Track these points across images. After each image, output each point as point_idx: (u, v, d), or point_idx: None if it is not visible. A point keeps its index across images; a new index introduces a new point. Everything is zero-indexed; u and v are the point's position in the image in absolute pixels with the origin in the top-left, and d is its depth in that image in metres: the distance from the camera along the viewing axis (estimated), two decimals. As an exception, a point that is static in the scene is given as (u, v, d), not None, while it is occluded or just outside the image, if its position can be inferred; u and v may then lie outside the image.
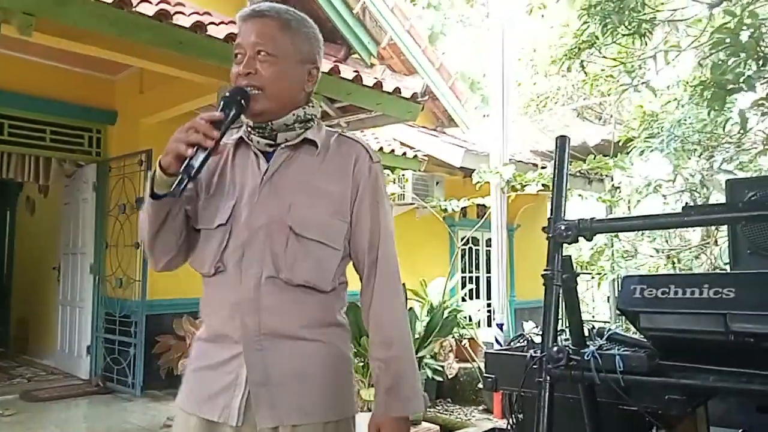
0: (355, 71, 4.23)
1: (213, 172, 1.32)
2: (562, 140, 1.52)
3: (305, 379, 1.25)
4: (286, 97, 1.27)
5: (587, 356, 1.21)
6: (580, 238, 1.39)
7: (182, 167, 1.14)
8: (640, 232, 5.23)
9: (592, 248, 5.31)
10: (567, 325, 1.47)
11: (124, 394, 4.84)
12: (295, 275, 1.23)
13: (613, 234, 4.81)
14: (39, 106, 5.03)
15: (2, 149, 5.22)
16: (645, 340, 1.36)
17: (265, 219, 1.24)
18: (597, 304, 10.35)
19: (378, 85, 4.29)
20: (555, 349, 1.27)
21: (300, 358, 1.25)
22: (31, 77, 4.97)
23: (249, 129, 1.30)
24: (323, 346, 1.28)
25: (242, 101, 1.22)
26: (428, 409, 5.01)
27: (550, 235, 1.39)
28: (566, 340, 1.50)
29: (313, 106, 1.33)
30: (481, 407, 5.40)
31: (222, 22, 3.86)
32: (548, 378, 1.26)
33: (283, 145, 1.29)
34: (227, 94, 1.22)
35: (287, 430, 1.22)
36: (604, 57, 4.62)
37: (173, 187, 1.15)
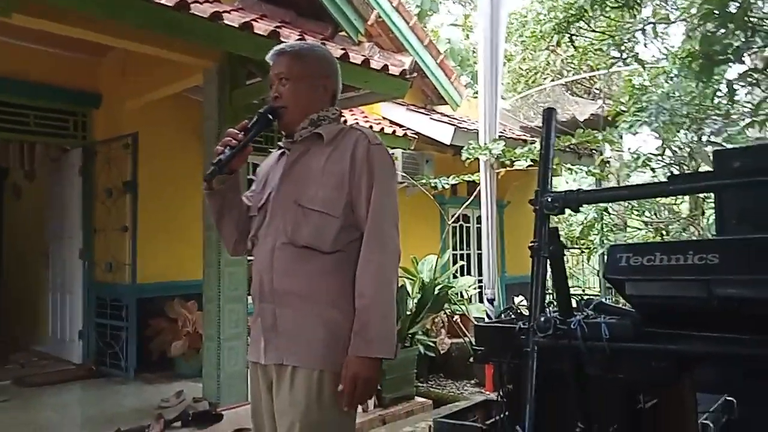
0: (343, 49, 4.17)
1: (264, 177, 1.71)
2: (548, 113, 1.52)
3: (303, 332, 1.52)
4: (304, 108, 1.62)
5: (573, 325, 1.22)
6: (568, 211, 1.40)
7: (215, 161, 1.53)
8: (630, 206, 5.26)
9: (582, 223, 5.34)
10: (554, 296, 1.47)
11: (117, 377, 4.84)
12: (299, 238, 1.53)
13: (602, 208, 4.84)
14: (22, 90, 4.92)
15: (-15, 134, 5.14)
16: (631, 309, 1.37)
17: (283, 200, 1.59)
18: (588, 278, 10.45)
19: (366, 62, 4.24)
20: (542, 319, 1.28)
21: (301, 314, 1.53)
22: (12, 60, 4.86)
23: (281, 137, 1.71)
24: (321, 308, 1.52)
25: (269, 116, 1.61)
26: (421, 385, 5.06)
27: (537, 207, 1.39)
28: (555, 311, 1.51)
29: (327, 110, 1.66)
30: (473, 381, 5.47)
31: (206, 1, 3.78)
32: (535, 347, 1.27)
33: (298, 141, 1.63)
34: (261, 110, 1.62)
35: (288, 370, 1.51)
36: (593, 30, 4.60)
37: (206, 174, 1.55)
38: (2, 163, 6.18)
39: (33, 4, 3.06)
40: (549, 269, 1.35)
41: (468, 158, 5.12)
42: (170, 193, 5.01)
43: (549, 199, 1.35)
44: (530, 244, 1.37)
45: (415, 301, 4.94)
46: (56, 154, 5.79)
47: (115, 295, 5.04)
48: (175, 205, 4.95)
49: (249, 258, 1.74)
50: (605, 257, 1.31)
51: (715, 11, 3.18)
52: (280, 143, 1.72)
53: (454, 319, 5.86)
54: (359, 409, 4.46)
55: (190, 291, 4.84)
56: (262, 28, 3.75)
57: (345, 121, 1.78)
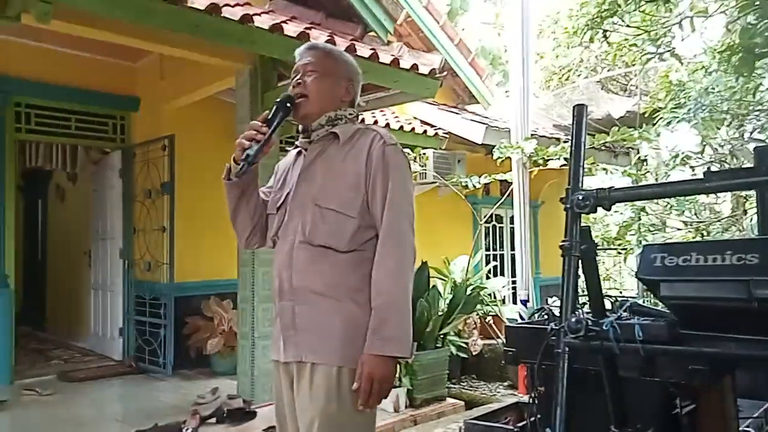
0: (372, 49, 4.18)
1: (283, 175, 1.72)
2: (579, 109, 1.49)
3: (322, 329, 1.53)
4: (323, 102, 1.64)
5: (606, 326, 1.19)
6: (604, 211, 1.37)
7: (243, 156, 1.54)
8: (668, 205, 5.12)
9: (618, 224, 5.22)
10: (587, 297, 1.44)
11: (156, 374, 4.97)
12: (316, 237, 1.55)
13: (639, 207, 4.72)
14: (63, 95, 5.11)
15: (30, 138, 5.34)
16: (667, 310, 1.33)
17: (301, 199, 1.61)
18: (624, 279, 10.22)
19: (395, 62, 4.24)
20: (573, 320, 1.26)
21: (320, 311, 1.54)
22: (55, 67, 5.04)
23: (298, 135, 1.71)
24: (339, 304, 1.54)
25: (288, 104, 1.61)
26: (453, 386, 5.04)
27: (568, 206, 1.36)
28: (588, 312, 1.49)
29: (345, 110, 1.67)
30: (506, 383, 5.41)
31: (237, 4, 3.85)
32: (566, 349, 1.25)
33: (315, 141, 1.65)
34: (278, 99, 1.61)
35: (308, 367, 1.52)
36: (627, 26, 4.50)
37: (237, 171, 1.57)
38: (46, 165, 6.41)
39: (67, 10, 3.14)
40: (581, 269, 1.33)
41: (500, 157, 5.07)
42: (206, 194, 5.11)
43: (580, 198, 1.32)
44: (561, 243, 1.35)
45: (447, 301, 4.91)
46: (97, 156, 5.98)
47: (153, 293, 5.17)
48: (211, 206, 5.04)
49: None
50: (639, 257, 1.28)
51: (755, 2, 3.07)
52: (297, 143, 1.73)
53: (486, 320, 5.80)
54: (391, 408, 4.46)
55: (226, 290, 4.95)
56: (291, 29, 3.79)
57: (363, 121, 1.79)
